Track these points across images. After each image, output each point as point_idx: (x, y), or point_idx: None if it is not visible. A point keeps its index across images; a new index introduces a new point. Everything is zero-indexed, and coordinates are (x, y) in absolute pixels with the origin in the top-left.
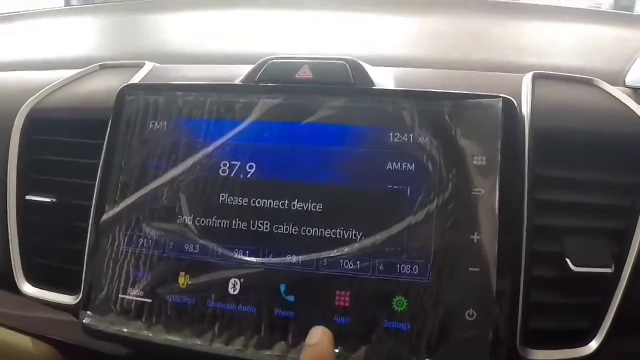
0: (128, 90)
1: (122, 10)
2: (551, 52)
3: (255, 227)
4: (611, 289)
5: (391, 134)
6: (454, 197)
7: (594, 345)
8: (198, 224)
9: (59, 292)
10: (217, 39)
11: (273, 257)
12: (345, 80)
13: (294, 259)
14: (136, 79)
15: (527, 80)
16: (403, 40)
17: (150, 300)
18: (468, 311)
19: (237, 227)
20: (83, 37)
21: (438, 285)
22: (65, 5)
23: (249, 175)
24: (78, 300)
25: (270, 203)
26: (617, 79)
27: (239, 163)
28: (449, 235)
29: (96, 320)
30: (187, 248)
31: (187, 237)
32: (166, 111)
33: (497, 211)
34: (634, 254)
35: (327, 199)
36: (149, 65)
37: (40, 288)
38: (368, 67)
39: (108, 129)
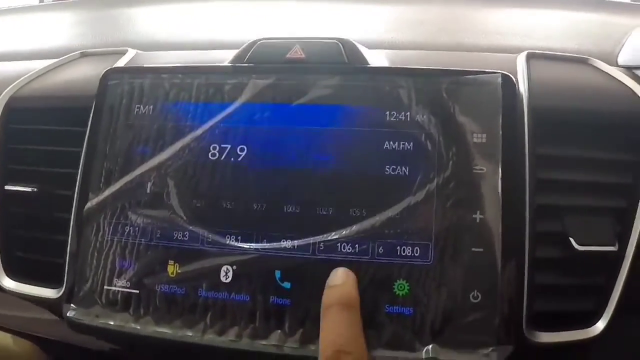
0: (112, 74)
1: (101, 4)
2: (541, 36)
3: (248, 211)
4: (616, 268)
5: (388, 112)
6: (454, 176)
7: (600, 326)
8: (187, 210)
9: (41, 286)
10: (202, 27)
11: (267, 242)
12: (338, 59)
13: (289, 243)
14: (119, 65)
15: (521, 59)
16: (391, 26)
17: (137, 291)
18: (472, 293)
19: (228, 212)
20: (63, 28)
21: (440, 267)
22: (39, 2)
23: (240, 159)
24: (61, 293)
25: (262, 187)
26: (610, 60)
27: (229, 146)
28: (451, 215)
29: (80, 313)
30: (176, 235)
31: (176, 224)
32: (152, 95)
33: (499, 189)
34: (638, 232)
35: (323, 181)
36: (131, 52)
37: (22, 282)
38: (361, 47)
39: (91, 115)
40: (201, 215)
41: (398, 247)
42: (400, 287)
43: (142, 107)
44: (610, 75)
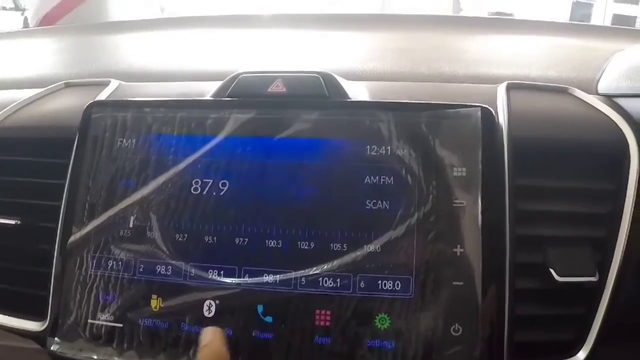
0: (95, 107)
1: (84, 31)
2: (521, 64)
3: (230, 246)
4: (596, 297)
5: (368, 147)
6: (434, 210)
7: (581, 356)
8: (170, 244)
9: (24, 319)
10: (184, 58)
11: (249, 277)
12: (319, 93)
13: (271, 278)
14: (102, 96)
15: (501, 90)
16: (371, 55)
17: (121, 325)
18: (453, 326)
19: (210, 246)
20: (47, 56)
21: (421, 301)
22: (23, 27)
23: (222, 193)
24: (45, 326)
25: (244, 221)
26: (590, 88)
27: (211, 181)
28: (431, 249)
29: (64, 347)
30: (159, 270)
31: (158, 258)
32: (135, 128)
33: (480, 223)
34: (618, 262)
35: (304, 216)
36: (114, 83)
37: (6, 315)
38: (342, 80)
39: (74, 148)
40: (184, 249)
41: (379, 282)
42: (382, 321)
43: (124, 140)
44: (590, 104)
